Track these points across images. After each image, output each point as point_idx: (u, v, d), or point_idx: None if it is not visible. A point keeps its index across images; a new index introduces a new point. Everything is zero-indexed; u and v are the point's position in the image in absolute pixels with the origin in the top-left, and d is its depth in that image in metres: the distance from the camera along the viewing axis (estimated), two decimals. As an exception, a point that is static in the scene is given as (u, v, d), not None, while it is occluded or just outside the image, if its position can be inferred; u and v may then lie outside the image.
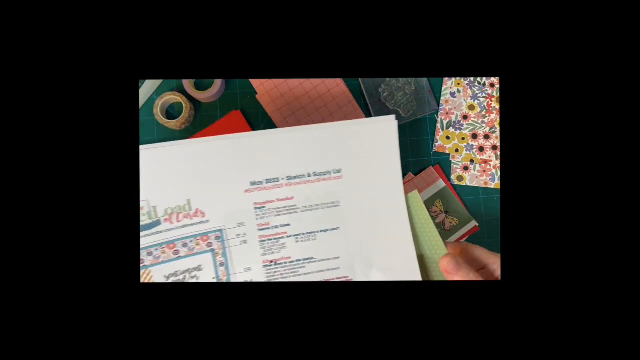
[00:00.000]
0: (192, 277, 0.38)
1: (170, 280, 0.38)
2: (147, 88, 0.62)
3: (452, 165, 0.63)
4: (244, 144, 0.38)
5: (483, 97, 0.64)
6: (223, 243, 0.38)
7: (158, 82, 0.62)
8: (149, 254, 0.37)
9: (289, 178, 0.39)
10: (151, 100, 0.62)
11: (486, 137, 0.63)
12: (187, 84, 0.60)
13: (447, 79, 0.64)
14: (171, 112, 0.62)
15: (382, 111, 0.62)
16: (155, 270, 0.38)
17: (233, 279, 0.38)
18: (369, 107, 0.62)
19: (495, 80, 0.64)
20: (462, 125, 0.63)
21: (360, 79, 0.63)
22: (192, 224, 0.38)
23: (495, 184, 0.62)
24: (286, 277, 0.39)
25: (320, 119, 0.62)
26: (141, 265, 0.37)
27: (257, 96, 0.62)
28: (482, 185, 0.62)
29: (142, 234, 0.37)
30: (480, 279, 0.39)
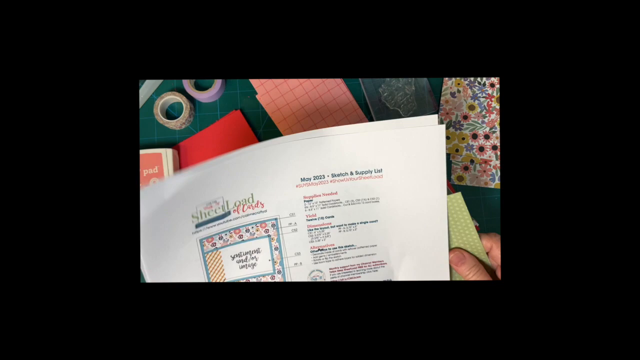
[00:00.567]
0: (252, 258, 0.44)
1: (234, 261, 0.43)
2: (147, 88, 0.62)
3: (452, 165, 0.63)
4: (295, 147, 0.43)
5: (483, 97, 0.64)
6: (278, 230, 0.44)
7: (158, 82, 0.62)
8: (220, 237, 0.43)
9: (333, 175, 0.43)
10: (151, 100, 0.62)
11: (486, 137, 0.63)
12: (187, 84, 0.60)
13: (447, 79, 0.64)
14: (171, 112, 0.62)
15: (382, 111, 0.62)
16: (224, 252, 0.43)
17: (285, 262, 0.44)
18: (369, 107, 0.62)
19: (495, 80, 0.64)
20: (462, 125, 0.63)
21: (360, 79, 0.63)
22: (253, 213, 0.43)
23: (495, 184, 0.62)
24: (330, 261, 0.44)
25: (320, 119, 0.62)
26: (213, 247, 0.43)
27: (257, 96, 0.62)
28: (482, 185, 0.62)
29: (215, 223, 0.43)
30: (482, 276, 0.43)
